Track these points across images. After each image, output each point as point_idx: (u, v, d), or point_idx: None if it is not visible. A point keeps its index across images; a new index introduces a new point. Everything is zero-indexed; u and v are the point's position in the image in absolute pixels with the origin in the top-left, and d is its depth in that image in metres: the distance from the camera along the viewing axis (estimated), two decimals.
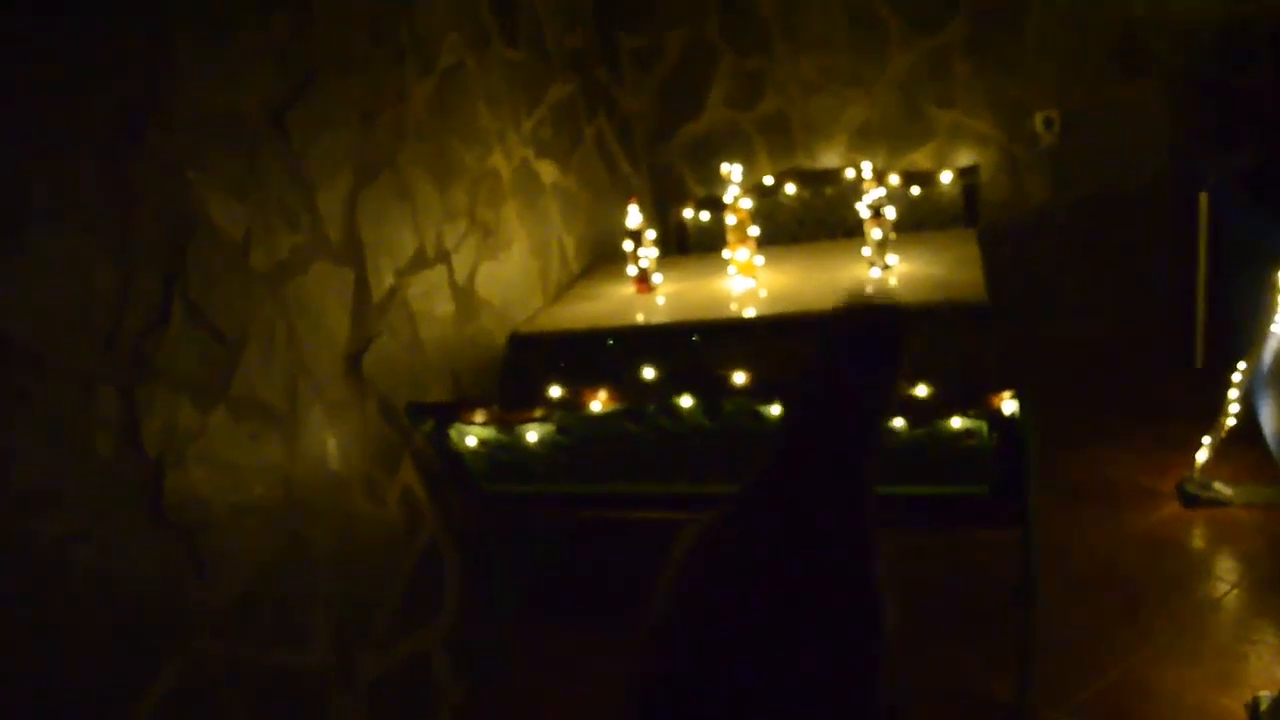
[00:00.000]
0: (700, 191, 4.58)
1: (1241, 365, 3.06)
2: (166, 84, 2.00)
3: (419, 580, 2.67)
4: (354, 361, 2.48)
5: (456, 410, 2.49)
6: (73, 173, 1.78)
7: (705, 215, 4.14)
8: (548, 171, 3.64)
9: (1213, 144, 4.07)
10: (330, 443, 2.38)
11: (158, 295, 1.93)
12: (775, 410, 2.15)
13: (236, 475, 2.09)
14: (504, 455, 2.53)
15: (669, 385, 2.24)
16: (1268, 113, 4.01)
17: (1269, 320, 2.90)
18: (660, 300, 3.30)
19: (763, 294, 3.20)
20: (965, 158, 4.29)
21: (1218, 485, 3.21)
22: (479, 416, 2.43)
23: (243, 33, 2.20)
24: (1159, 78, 4.05)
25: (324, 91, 2.44)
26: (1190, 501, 3.19)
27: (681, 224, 4.21)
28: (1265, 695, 2.30)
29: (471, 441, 2.53)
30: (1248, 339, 3.03)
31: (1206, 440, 3.21)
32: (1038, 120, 4.20)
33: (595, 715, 2.73)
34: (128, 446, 1.85)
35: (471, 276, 3.04)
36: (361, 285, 2.54)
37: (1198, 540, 3.04)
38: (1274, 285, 2.85)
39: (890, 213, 3.16)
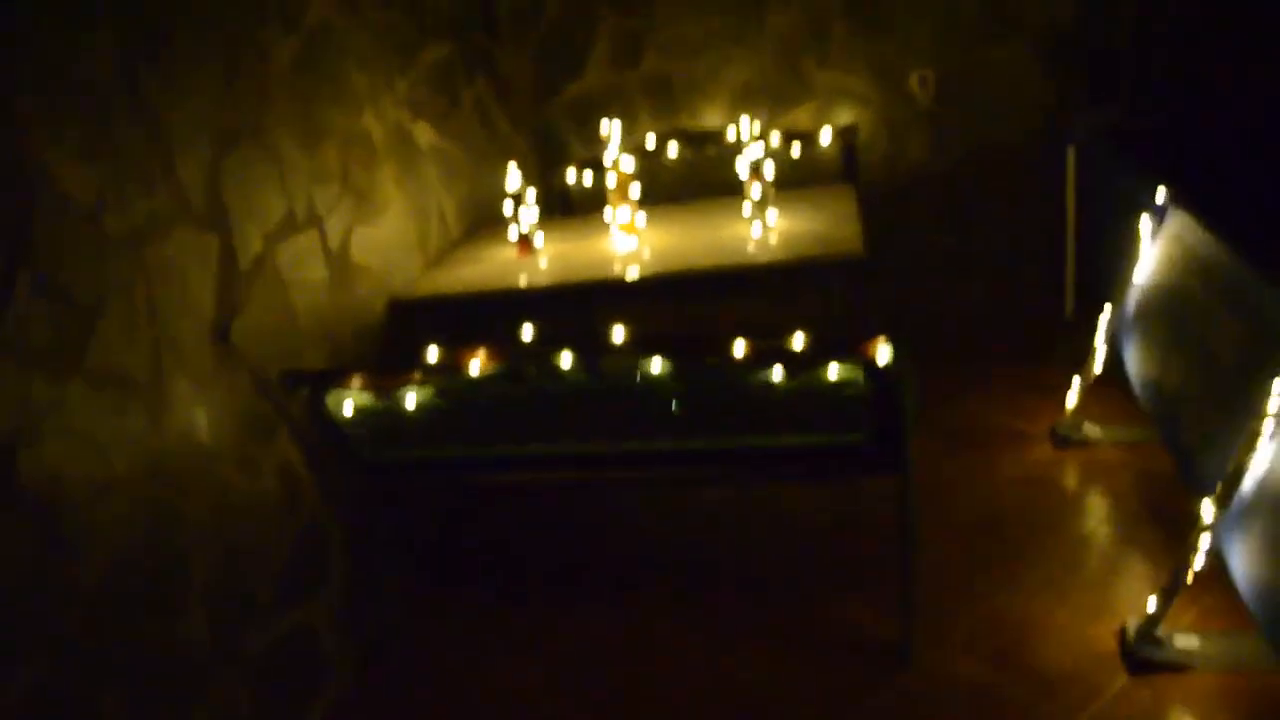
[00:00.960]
0: (583, 153, 4.54)
1: (1107, 311, 3.18)
2: (9, 43, 1.87)
3: (301, 553, 2.60)
4: (222, 331, 2.38)
5: (332, 377, 2.42)
6: None
7: (588, 176, 4.10)
8: (424, 134, 3.55)
9: (1080, 101, 4.21)
10: (199, 415, 2.28)
11: (1, 264, 1.81)
12: (656, 365, 2.15)
13: (98, 448, 1.99)
14: (384, 421, 2.48)
15: (548, 344, 2.21)
16: (1129, 70, 4.16)
17: (1131, 268, 3.01)
18: (543, 263, 3.27)
19: (645, 254, 3.19)
20: (845, 117, 4.34)
21: (1088, 427, 3.34)
22: (356, 382, 2.37)
23: None
24: (1028, 38, 4.16)
25: (180, 51, 2.32)
26: (1062, 443, 3.31)
27: (564, 186, 4.17)
28: (1133, 622, 2.40)
29: (349, 409, 2.46)
30: (1113, 286, 3.15)
31: (1076, 384, 3.33)
32: (913, 80, 4.27)
33: (487, 683, 2.72)
34: None
35: (346, 242, 2.95)
36: (227, 252, 2.43)
37: (1069, 479, 3.17)
38: (1136, 235, 2.96)
39: (770, 170, 3.18)
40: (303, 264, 2.72)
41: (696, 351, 2.13)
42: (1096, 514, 2.99)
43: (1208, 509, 2.20)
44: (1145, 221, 2.93)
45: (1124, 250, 3.07)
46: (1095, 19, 4.11)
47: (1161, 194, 2.87)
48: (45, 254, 1.91)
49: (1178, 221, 2.78)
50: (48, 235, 1.91)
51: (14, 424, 1.81)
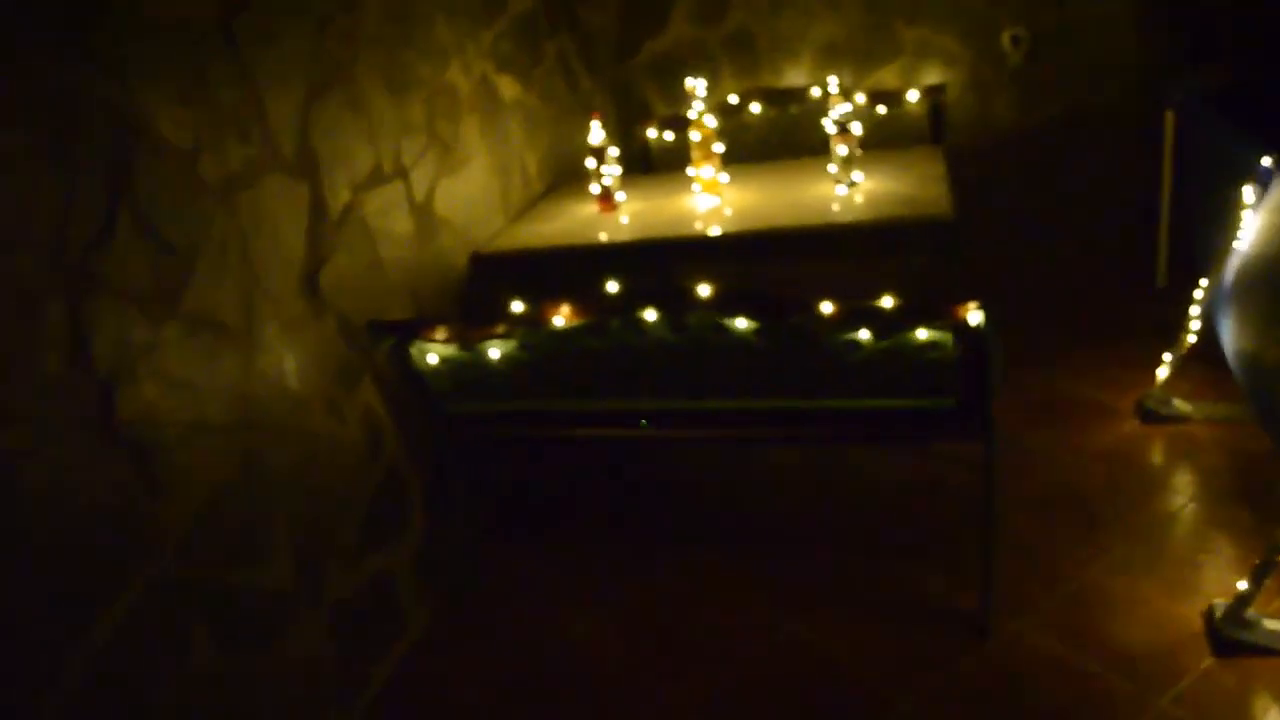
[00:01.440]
0: (665, 109, 4.50)
1: (1203, 283, 3.07)
2: None
3: (382, 500, 2.65)
4: (311, 279, 2.42)
5: (417, 327, 2.45)
6: (11, 74, 1.69)
7: (669, 134, 4.06)
8: (508, 87, 3.54)
9: (1179, 63, 4.05)
10: (288, 361, 2.33)
11: (102, 206, 1.86)
12: (740, 323, 2.13)
13: (191, 392, 2.04)
14: (466, 374, 2.50)
15: (633, 299, 2.21)
16: (1233, 32, 3.99)
17: (1231, 238, 2.90)
18: (624, 219, 3.25)
19: (728, 212, 3.15)
20: (932, 76, 4.23)
21: (1177, 402, 3.24)
22: (440, 334, 2.39)
23: None
24: None
25: None
26: (1149, 418, 3.22)
27: (645, 143, 4.14)
28: (1220, 603, 2.34)
29: (433, 360, 2.49)
30: (1210, 258, 3.04)
31: (1167, 358, 3.23)
32: (1005, 38, 4.14)
33: (560, 635, 2.75)
34: (76, 362, 1.79)
35: (430, 194, 2.97)
36: (317, 200, 2.47)
37: (1156, 456, 3.08)
38: (1238, 202, 2.85)
39: (857, 129, 3.12)
40: (388, 215, 2.75)
41: (782, 310, 2.10)
42: (1184, 492, 2.91)
43: None
44: (1248, 189, 2.81)
45: (1224, 219, 2.95)
46: None
47: (1267, 160, 2.75)
48: (144, 197, 1.95)
49: None
50: (147, 178, 1.96)
51: (113, 364, 1.87)
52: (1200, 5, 3.97)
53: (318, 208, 2.46)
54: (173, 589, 1.97)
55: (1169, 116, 3.78)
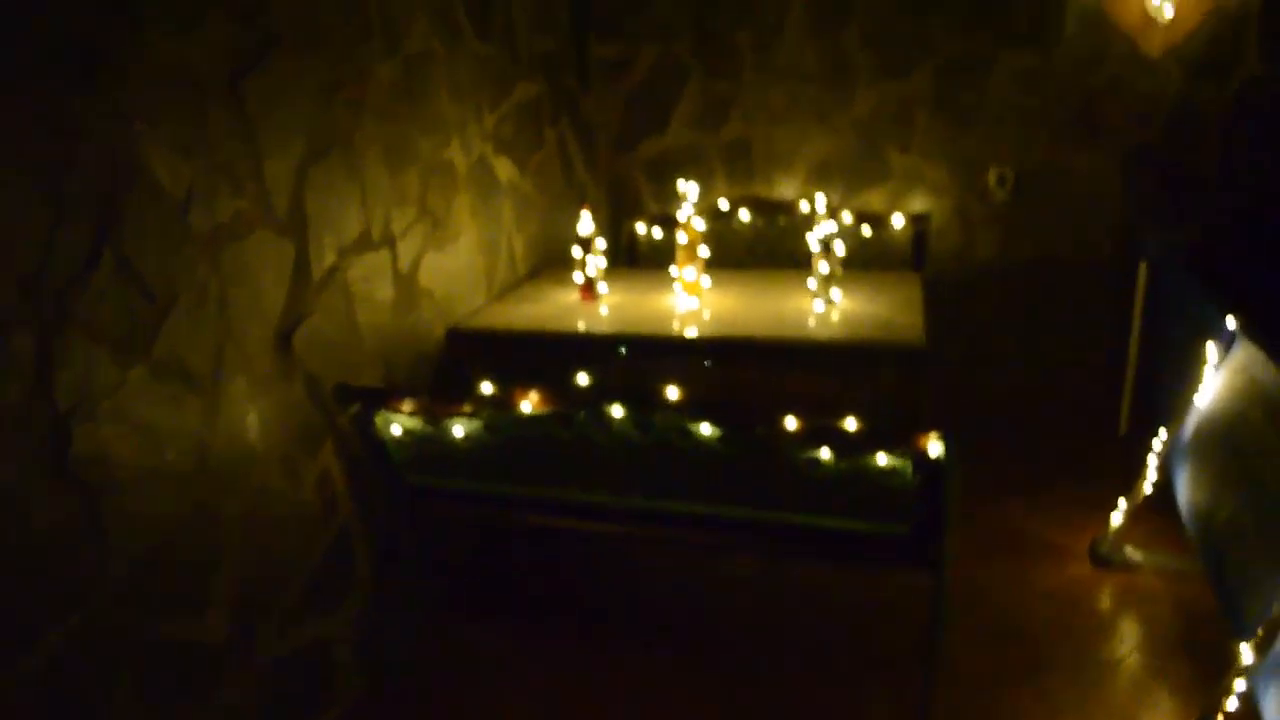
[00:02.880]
0: (655, 207, 4.59)
1: (1162, 435, 3.13)
2: (124, 32, 1.94)
3: (329, 565, 2.62)
4: (285, 336, 2.43)
5: (385, 397, 2.45)
6: (10, 104, 1.72)
7: (658, 231, 4.14)
8: (505, 169, 3.61)
9: (1158, 217, 4.19)
10: (251, 416, 2.32)
11: (87, 243, 1.87)
12: (705, 429, 2.14)
13: (150, 437, 2.03)
14: (428, 447, 2.49)
15: (602, 393, 2.22)
16: (1211, 192, 4.14)
17: (1192, 393, 2.97)
18: (604, 310, 3.29)
19: (706, 315, 3.20)
20: (919, 204, 4.35)
21: (1129, 549, 3.27)
22: (407, 406, 2.39)
23: None
24: (1112, 148, 4.16)
25: (285, 59, 2.39)
26: (1101, 563, 3.25)
27: (633, 237, 4.21)
28: None
29: (397, 430, 2.48)
30: (1171, 410, 3.10)
31: (1122, 504, 3.27)
32: (992, 176, 4.27)
33: (492, 717, 2.70)
34: (38, 395, 1.78)
35: (415, 265, 3.00)
36: (302, 259, 2.48)
37: (1104, 601, 3.10)
38: (1201, 359, 2.92)
39: (840, 248, 3.19)
40: (371, 281, 2.77)
41: (747, 420, 2.12)
42: (1129, 640, 2.92)
43: (1246, 653, 2.14)
44: (1212, 348, 2.89)
45: (1187, 374, 3.02)
46: (1181, 140, 4.09)
47: (1231, 322, 2.83)
48: (130, 239, 1.96)
49: (1246, 352, 2.74)
50: (135, 221, 1.97)
51: (75, 399, 1.85)
52: (1183, 167, 4.12)
53: (301, 267, 2.48)
54: (105, 632, 1.93)
55: (1143, 268, 3.89)
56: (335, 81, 2.59)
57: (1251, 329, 2.73)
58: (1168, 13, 3.91)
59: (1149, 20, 3.98)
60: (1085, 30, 4.06)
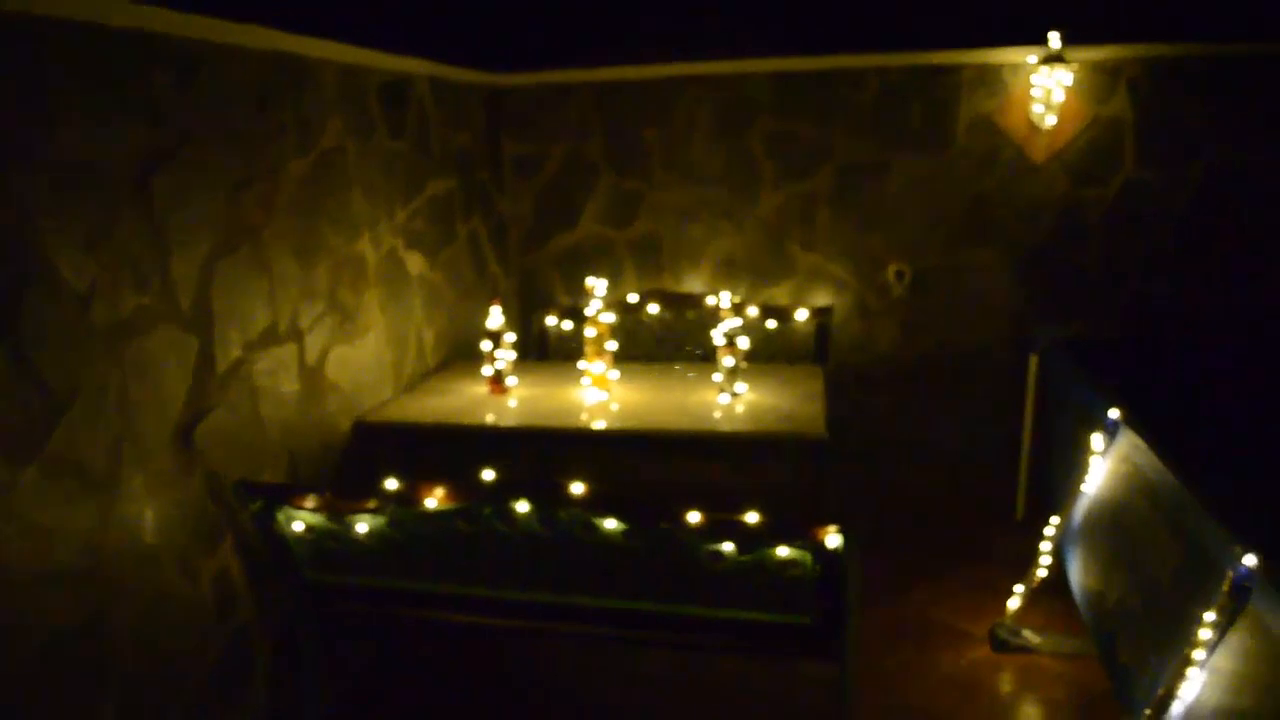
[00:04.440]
0: (566, 300, 4.66)
1: (1054, 520, 3.25)
2: (36, 129, 1.94)
3: (226, 666, 2.54)
4: (186, 432, 2.39)
5: (287, 493, 2.42)
6: None
7: (569, 324, 4.20)
8: (416, 263, 3.64)
9: (1046, 312, 4.40)
10: (149, 514, 2.27)
11: None
12: (609, 524, 2.17)
13: (43, 538, 1.97)
14: (332, 544, 2.47)
15: (507, 489, 2.24)
16: (1095, 288, 4.37)
17: (1081, 479, 3.09)
18: (512, 403, 3.31)
19: (614, 408, 3.24)
20: (821, 299, 4.50)
21: (1027, 633, 3.36)
22: (309, 502, 2.37)
23: (122, 84, 2.17)
24: (1003, 247, 4.38)
25: (197, 155, 2.41)
26: (1000, 647, 3.32)
27: (544, 330, 4.26)
28: None
29: (299, 527, 2.45)
30: (1062, 497, 3.23)
31: (1019, 589, 3.37)
32: (890, 272, 4.45)
33: None
34: None
35: (323, 358, 2.99)
36: (205, 354, 2.47)
37: (1004, 685, 3.16)
38: (1088, 448, 3.06)
39: (744, 343, 3.28)
40: (277, 375, 2.76)
41: (650, 515, 2.16)
42: None
43: None
44: (1097, 437, 3.02)
45: (1075, 462, 3.15)
46: (1067, 239, 4.33)
47: (1114, 412, 2.98)
48: (29, 336, 1.93)
49: (1128, 441, 2.87)
50: (35, 316, 1.95)
51: None
52: (1070, 264, 4.35)
53: (205, 361, 2.46)
54: None
55: (1033, 361, 4.07)
56: (246, 178, 2.61)
57: (1133, 419, 2.88)
58: (1050, 121, 4.17)
59: (1034, 128, 4.24)
60: (976, 137, 4.31)
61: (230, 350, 2.56)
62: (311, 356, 2.93)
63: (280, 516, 2.44)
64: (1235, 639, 1.98)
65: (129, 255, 2.20)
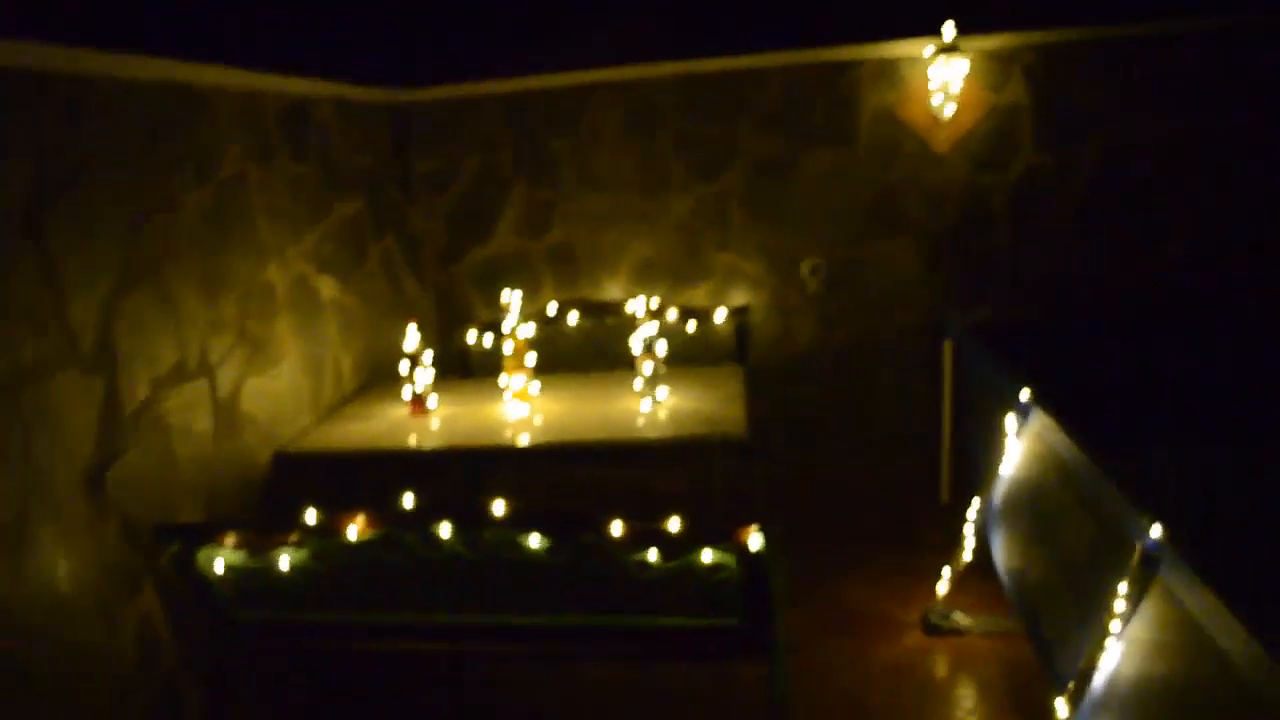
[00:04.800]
0: (486, 315, 4.64)
1: (976, 502, 3.32)
2: None
3: (154, 717, 2.48)
4: (97, 477, 2.33)
5: (206, 532, 2.37)
6: None
7: (489, 339, 4.18)
8: (327, 288, 3.59)
9: (957, 297, 4.50)
10: (61, 565, 2.21)
11: None
12: (534, 540, 2.17)
13: None
14: (255, 581, 2.42)
15: (429, 513, 2.22)
16: (1002, 273, 4.48)
17: (998, 460, 3.17)
18: (434, 424, 3.29)
19: (537, 421, 3.24)
20: (739, 298, 4.54)
21: (958, 615, 3.43)
22: (230, 540, 2.32)
23: (7, 116, 2.11)
24: (913, 236, 4.46)
25: (89, 191, 2.34)
26: (932, 631, 3.39)
27: (464, 347, 4.23)
28: None
29: (220, 566, 2.40)
30: (982, 477, 3.30)
31: (946, 573, 3.44)
32: (805, 267, 4.51)
33: None
34: None
35: (236, 391, 2.94)
36: (112, 396, 2.40)
37: (939, 668, 3.22)
38: (1003, 429, 3.13)
39: (662, 348, 3.30)
40: (189, 412, 2.70)
41: (574, 529, 2.16)
42: (963, 705, 3.04)
43: (1061, 706, 2.27)
44: (1011, 419, 3.10)
45: (992, 444, 3.23)
46: (973, 226, 4.43)
47: (1025, 393, 3.05)
48: None
49: (1039, 420, 2.95)
50: None
51: None
52: (977, 248, 4.45)
53: (112, 404, 2.40)
54: None
55: (947, 346, 4.16)
56: (144, 211, 2.55)
57: (1043, 399, 2.96)
58: (949, 111, 4.26)
59: (934, 119, 4.33)
60: (879, 130, 4.39)
61: (138, 390, 2.50)
62: (224, 390, 2.88)
63: (200, 557, 2.38)
64: (1148, 608, 2.05)
65: (23, 299, 2.14)
